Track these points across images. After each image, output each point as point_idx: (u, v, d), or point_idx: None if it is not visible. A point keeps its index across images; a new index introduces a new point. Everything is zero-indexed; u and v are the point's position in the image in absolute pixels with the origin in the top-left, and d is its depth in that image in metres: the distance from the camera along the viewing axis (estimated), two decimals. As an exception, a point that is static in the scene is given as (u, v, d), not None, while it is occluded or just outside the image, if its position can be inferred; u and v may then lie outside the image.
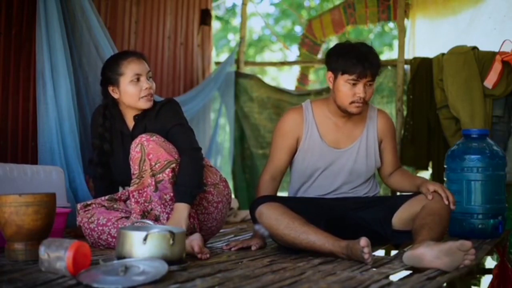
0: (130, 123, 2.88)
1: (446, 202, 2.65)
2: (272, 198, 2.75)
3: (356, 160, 2.90)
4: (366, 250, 2.29)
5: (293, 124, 2.90)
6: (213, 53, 5.66)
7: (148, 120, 2.81)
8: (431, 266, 2.21)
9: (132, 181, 2.65)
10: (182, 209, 2.57)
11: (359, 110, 2.79)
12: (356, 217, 2.82)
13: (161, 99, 2.99)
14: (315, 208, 2.79)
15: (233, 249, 2.73)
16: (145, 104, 2.80)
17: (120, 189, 3.07)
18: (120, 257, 2.09)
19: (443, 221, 2.61)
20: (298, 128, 2.90)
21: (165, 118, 2.77)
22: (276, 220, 2.58)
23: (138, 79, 2.80)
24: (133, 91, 2.79)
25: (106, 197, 2.84)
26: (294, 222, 2.55)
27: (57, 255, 1.96)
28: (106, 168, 2.95)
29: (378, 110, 2.98)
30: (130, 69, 2.80)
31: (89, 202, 2.81)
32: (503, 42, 3.99)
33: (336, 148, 2.90)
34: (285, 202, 2.70)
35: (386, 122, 2.97)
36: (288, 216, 2.58)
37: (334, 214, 2.80)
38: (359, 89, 2.74)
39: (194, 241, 2.45)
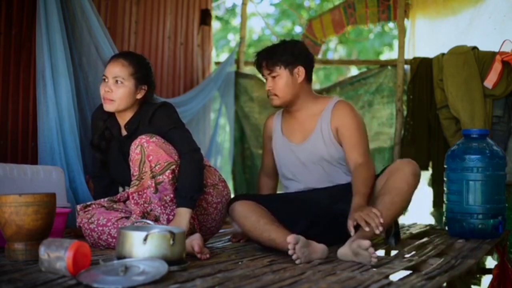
0: (122, 126, 2.89)
1: (367, 228, 2.46)
2: (248, 196, 2.84)
3: (317, 152, 2.95)
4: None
5: (267, 128, 3.16)
6: (213, 53, 5.66)
7: (142, 125, 2.80)
8: (355, 260, 2.37)
9: (132, 182, 2.64)
10: (183, 214, 2.57)
11: (273, 103, 2.97)
12: (336, 209, 2.82)
13: (161, 100, 2.99)
14: (295, 205, 2.85)
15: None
16: (105, 107, 2.81)
17: (120, 189, 3.08)
18: (120, 257, 2.09)
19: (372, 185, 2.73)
20: (270, 130, 3.14)
21: (160, 122, 2.75)
22: (245, 218, 2.69)
23: (104, 80, 2.81)
24: (100, 91, 2.83)
25: (106, 198, 2.84)
26: (260, 220, 2.65)
27: (57, 255, 1.96)
28: (105, 161, 2.95)
29: (339, 101, 2.98)
30: (105, 70, 2.83)
31: (88, 203, 2.81)
32: (503, 42, 3.99)
33: (295, 144, 3.01)
34: (263, 200, 2.78)
35: (340, 110, 2.94)
36: (255, 214, 2.67)
37: (315, 208, 2.83)
38: (266, 82, 2.96)
39: (195, 241, 2.45)
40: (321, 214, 2.81)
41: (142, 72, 2.83)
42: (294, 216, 2.77)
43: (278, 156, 3.08)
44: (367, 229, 2.45)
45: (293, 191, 3.03)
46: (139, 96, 2.82)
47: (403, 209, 2.76)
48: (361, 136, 2.90)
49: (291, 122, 3.05)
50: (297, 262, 2.35)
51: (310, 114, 2.99)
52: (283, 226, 2.64)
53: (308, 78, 2.99)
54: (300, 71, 2.93)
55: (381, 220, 2.45)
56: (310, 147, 2.98)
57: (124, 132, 2.88)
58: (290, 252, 2.36)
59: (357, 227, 2.51)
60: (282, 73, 2.91)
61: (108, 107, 2.80)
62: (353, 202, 2.62)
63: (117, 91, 2.77)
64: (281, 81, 2.91)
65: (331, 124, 2.94)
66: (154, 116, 2.78)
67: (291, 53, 2.91)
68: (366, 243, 2.32)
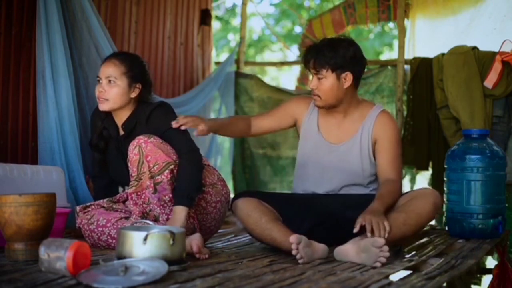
0: (119, 126, 2.89)
1: (369, 234, 2.40)
2: (252, 193, 2.80)
3: (348, 159, 2.87)
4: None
5: (297, 106, 3.00)
6: (213, 53, 5.66)
7: (139, 124, 2.80)
8: (354, 260, 2.36)
9: (131, 183, 2.64)
10: (179, 212, 2.57)
11: (316, 103, 2.84)
12: (344, 216, 2.77)
13: (159, 99, 2.99)
14: (301, 206, 2.81)
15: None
16: (100, 106, 2.82)
17: (120, 189, 3.07)
18: (120, 257, 2.09)
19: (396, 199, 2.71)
20: (300, 112, 2.99)
21: (158, 123, 2.75)
22: (247, 215, 2.67)
23: (99, 81, 2.83)
24: (95, 92, 2.84)
25: (105, 199, 2.84)
26: (262, 218, 2.63)
27: (57, 255, 1.96)
28: (104, 160, 2.95)
29: (382, 111, 2.91)
30: (99, 71, 2.84)
31: (88, 204, 2.81)
32: (503, 42, 3.99)
33: (330, 143, 2.91)
34: (269, 197, 2.75)
35: (384, 123, 2.87)
36: (258, 212, 2.65)
37: (321, 211, 2.79)
38: (310, 80, 2.82)
39: (194, 241, 2.45)
40: (327, 217, 2.78)
41: (135, 71, 2.83)
42: (299, 216, 2.75)
43: (303, 145, 2.95)
44: (369, 235, 2.41)
45: (300, 192, 2.98)
46: (133, 95, 2.83)
47: (413, 233, 2.69)
48: (399, 154, 2.86)
49: (329, 121, 2.92)
50: (300, 261, 2.35)
51: (351, 119, 2.89)
52: (285, 225, 2.63)
53: (355, 84, 2.83)
54: (348, 77, 2.77)
55: (386, 236, 2.42)
56: (345, 150, 2.87)
57: (121, 132, 2.88)
58: (293, 252, 2.36)
59: (362, 229, 2.48)
60: (328, 76, 2.75)
61: (103, 107, 2.81)
62: (372, 204, 2.59)
63: (110, 90, 2.79)
64: (326, 84, 2.77)
65: (372, 134, 2.85)
66: (152, 116, 2.78)
67: (342, 57, 2.75)
68: (381, 241, 2.31)
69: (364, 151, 2.87)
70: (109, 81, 2.79)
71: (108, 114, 2.90)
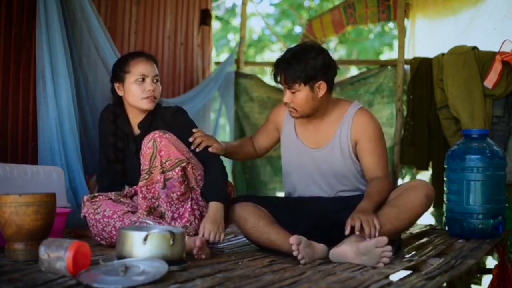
0: (134, 125, 2.90)
1: (357, 233, 2.43)
2: (248, 198, 2.80)
3: (330, 162, 2.82)
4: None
5: (277, 116, 3.00)
6: (213, 53, 5.66)
7: (159, 124, 2.82)
8: (354, 262, 2.35)
9: (141, 176, 2.66)
10: (220, 208, 2.62)
11: (292, 115, 2.80)
12: (338, 217, 2.72)
13: (163, 101, 3.00)
14: (296, 208, 2.81)
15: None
16: (147, 105, 2.83)
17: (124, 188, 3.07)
18: (120, 257, 2.09)
19: (385, 197, 2.68)
20: (279, 120, 2.99)
21: (184, 130, 2.79)
22: (245, 220, 2.67)
23: (143, 80, 2.83)
24: (136, 91, 2.83)
25: (113, 193, 2.85)
26: (259, 222, 2.64)
27: (57, 255, 1.96)
28: (122, 166, 2.95)
29: (359, 109, 2.83)
30: (136, 68, 2.84)
31: (96, 194, 2.81)
32: (503, 42, 3.99)
33: (310, 148, 2.87)
34: (264, 202, 2.76)
35: (362, 122, 2.79)
36: (255, 216, 2.66)
37: (316, 213, 2.78)
38: (284, 93, 2.76)
39: (198, 237, 2.46)
40: (322, 219, 2.76)
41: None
42: (295, 219, 2.75)
43: (285, 153, 2.94)
44: (357, 233, 2.41)
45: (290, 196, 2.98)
46: None
47: (406, 227, 2.68)
48: (383, 151, 2.80)
49: (307, 126, 2.88)
50: (302, 262, 2.35)
51: (329, 121, 2.83)
52: (283, 228, 2.63)
53: (330, 90, 2.76)
54: (321, 86, 2.70)
55: (376, 234, 2.41)
56: (326, 154, 2.83)
57: (136, 131, 2.91)
58: (294, 253, 2.36)
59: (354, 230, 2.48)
60: (301, 89, 2.68)
61: (152, 105, 2.85)
62: (361, 204, 2.57)
63: (157, 89, 2.87)
64: (300, 97, 2.70)
65: (351, 136, 2.79)
66: (174, 119, 2.84)
67: (312, 68, 2.66)
68: (384, 239, 2.31)
69: (345, 152, 2.81)
70: (156, 80, 2.87)
71: (120, 116, 2.90)
